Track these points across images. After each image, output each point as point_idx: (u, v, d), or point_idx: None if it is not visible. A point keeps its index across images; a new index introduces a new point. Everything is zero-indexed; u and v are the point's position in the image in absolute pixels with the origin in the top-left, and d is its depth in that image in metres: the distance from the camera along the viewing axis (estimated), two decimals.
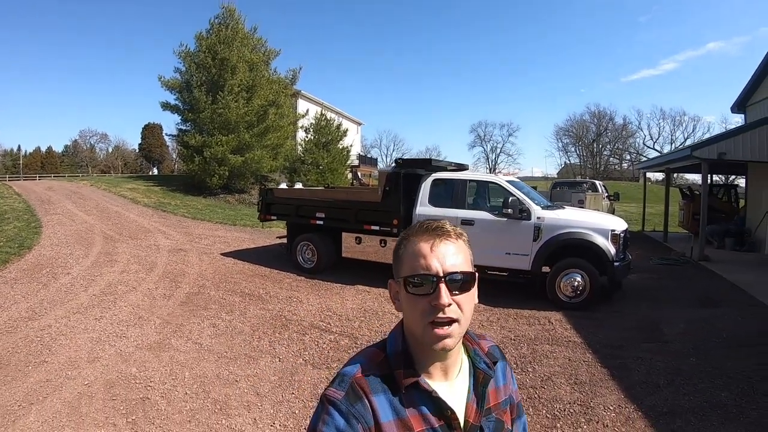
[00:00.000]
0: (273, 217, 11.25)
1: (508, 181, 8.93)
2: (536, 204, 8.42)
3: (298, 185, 14.05)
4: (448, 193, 8.96)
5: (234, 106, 23.54)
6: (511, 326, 6.90)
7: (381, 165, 67.18)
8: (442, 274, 1.06)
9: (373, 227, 9.26)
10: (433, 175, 9.14)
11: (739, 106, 16.52)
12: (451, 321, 1.05)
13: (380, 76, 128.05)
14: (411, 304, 1.08)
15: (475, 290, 1.12)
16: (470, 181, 9.02)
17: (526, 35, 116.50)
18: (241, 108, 23.85)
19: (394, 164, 9.46)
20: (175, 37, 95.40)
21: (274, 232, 14.70)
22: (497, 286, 8.68)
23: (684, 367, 5.34)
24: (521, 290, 8.57)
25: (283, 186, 12.52)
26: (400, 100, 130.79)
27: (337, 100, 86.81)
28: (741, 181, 30.74)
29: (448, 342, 1.06)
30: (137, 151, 72.87)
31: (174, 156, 63.26)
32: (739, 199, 19.93)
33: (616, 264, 7.75)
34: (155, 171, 64.80)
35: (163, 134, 63.93)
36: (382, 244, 9.20)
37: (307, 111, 31.41)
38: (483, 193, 9.37)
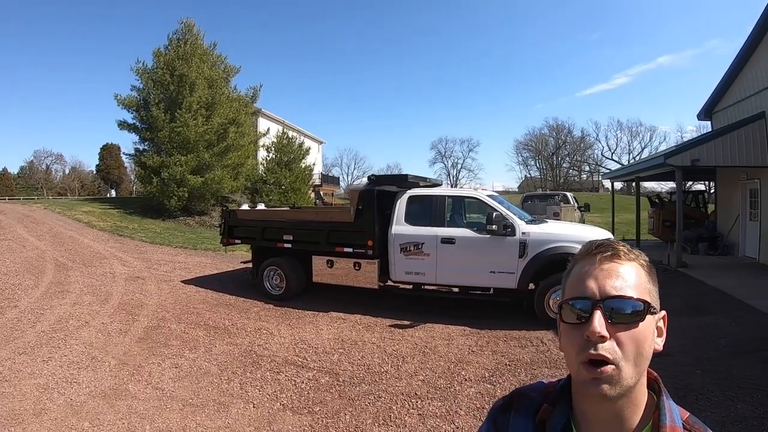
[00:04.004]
0: (237, 241, 10.47)
1: (488, 196, 8.50)
2: (520, 219, 7.99)
3: (261, 206, 13.30)
4: (426, 211, 8.43)
5: (193, 125, 22.68)
6: (503, 350, 6.45)
7: (343, 184, 67.23)
8: (598, 297, 0.89)
9: (346, 249, 8.62)
10: (408, 191, 8.60)
11: (705, 114, 16.75)
12: (605, 360, 0.86)
13: (340, 94, 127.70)
14: (565, 336, 0.94)
15: (647, 329, 0.90)
16: (449, 197, 8.56)
17: (482, 53, 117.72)
18: (200, 126, 23.01)
19: (366, 181, 8.87)
20: (132, 53, 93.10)
21: (238, 257, 13.95)
22: (482, 307, 8.36)
23: (692, 381, 5.18)
24: (507, 309, 8.15)
25: (245, 207, 11.74)
26: (360, 119, 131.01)
27: (298, 119, 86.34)
28: (698, 187, 31.62)
29: (604, 388, 0.86)
30: (95, 172, 70.55)
31: (132, 177, 61.44)
32: (708, 204, 20.26)
33: None
34: (113, 193, 62.93)
35: (122, 155, 62.12)
36: (356, 267, 8.56)
37: (268, 130, 30.67)
38: (463, 210, 8.97)
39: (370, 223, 8.35)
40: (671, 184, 27.75)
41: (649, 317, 0.90)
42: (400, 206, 8.46)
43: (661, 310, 0.95)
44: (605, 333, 0.86)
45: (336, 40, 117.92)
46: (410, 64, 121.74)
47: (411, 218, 8.40)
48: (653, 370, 0.96)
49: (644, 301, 0.89)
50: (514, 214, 8.07)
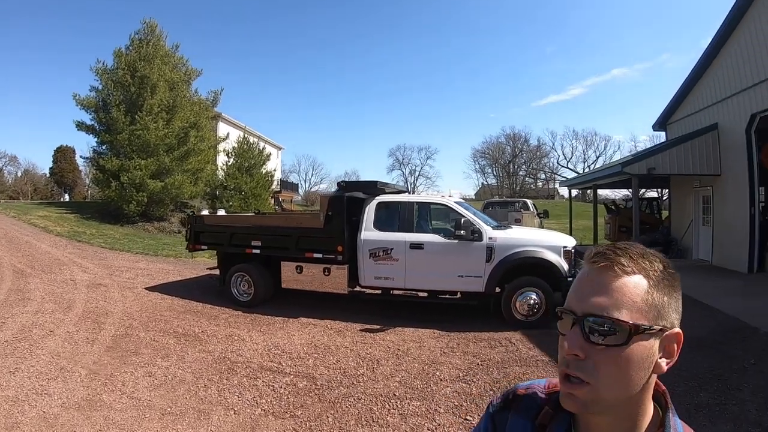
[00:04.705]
0: (203, 247, 10.33)
1: (456, 202, 8.71)
2: (486, 225, 8.23)
3: (221, 212, 13.15)
4: (395, 217, 8.58)
5: (153, 128, 22.16)
6: (474, 351, 6.60)
7: (301, 190, 66.83)
8: (579, 314, 0.84)
9: (316, 255, 8.63)
10: (377, 198, 8.72)
11: (660, 125, 17.58)
12: (579, 378, 0.82)
13: (299, 102, 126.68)
14: (559, 342, 0.90)
15: (638, 353, 0.81)
16: (417, 203, 8.71)
17: (442, 64, 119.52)
18: (160, 130, 22.51)
19: (336, 188, 8.94)
20: (91, 52, 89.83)
21: (200, 263, 13.77)
22: (449, 311, 8.54)
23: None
24: (474, 312, 8.36)
25: (205, 213, 11.56)
26: (318, 126, 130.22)
27: (257, 124, 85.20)
28: (651, 194, 32.80)
29: (576, 405, 0.83)
30: (48, 175, 67.93)
31: (87, 181, 59.54)
32: (661, 210, 21.11)
33: (569, 279, 7.70)
34: (66, 197, 60.81)
35: (77, 158, 60.06)
36: (326, 273, 8.58)
37: (228, 134, 30.23)
38: (431, 216, 9.13)
39: (340, 229, 8.40)
40: (624, 192, 29.02)
41: (641, 340, 0.82)
42: (369, 212, 8.55)
43: (673, 327, 0.86)
44: (578, 352, 0.82)
45: (298, 48, 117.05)
46: (370, 72, 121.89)
47: (380, 224, 8.51)
48: (662, 384, 0.92)
49: (630, 324, 0.80)
50: (481, 220, 8.31)
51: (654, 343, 0.83)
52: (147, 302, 9.34)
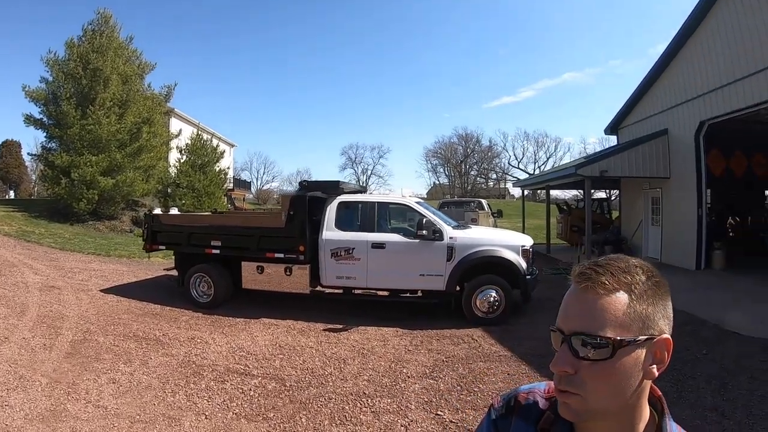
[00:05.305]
0: (161, 247, 10.12)
1: (417, 202, 8.83)
2: (447, 225, 8.38)
3: (174, 210, 12.78)
4: (356, 217, 8.66)
5: (105, 122, 21.33)
6: (438, 348, 6.75)
7: (254, 188, 65.96)
8: (566, 332, 0.89)
9: (277, 255, 8.59)
10: (338, 197, 8.74)
11: (612, 129, 18.31)
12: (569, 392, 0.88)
13: (251, 98, 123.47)
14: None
15: (624, 364, 0.86)
16: (379, 203, 8.78)
17: (396, 62, 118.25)
18: (113, 125, 21.67)
19: (298, 187, 8.92)
20: (43, 42, 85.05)
21: (155, 264, 13.38)
22: (410, 309, 8.67)
23: None
24: (434, 310, 8.51)
25: (158, 211, 11.21)
26: (271, 123, 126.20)
27: (209, 121, 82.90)
28: (599, 194, 33.93)
29: (570, 414, 0.89)
30: None
31: (34, 178, 57.28)
32: (611, 211, 21.86)
33: (527, 277, 8.03)
34: (12, 194, 58.37)
35: (23, 153, 57.71)
36: (287, 273, 8.56)
37: (180, 131, 29.11)
38: (392, 216, 9.22)
39: (302, 229, 8.39)
40: (574, 192, 29.90)
41: (627, 353, 0.86)
42: (330, 212, 8.57)
43: (661, 334, 0.90)
44: (568, 369, 0.87)
45: (252, 44, 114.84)
46: (322, 70, 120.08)
47: (341, 224, 8.55)
48: (657, 389, 0.97)
49: (614, 339, 0.85)
50: (442, 220, 8.47)
51: (641, 353, 0.87)
52: (103, 305, 9.03)
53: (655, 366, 0.89)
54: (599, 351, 0.85)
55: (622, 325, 0.86)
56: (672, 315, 0.94)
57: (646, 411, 0.94)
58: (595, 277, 0.88)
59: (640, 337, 0.86)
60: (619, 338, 0.85)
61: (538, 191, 30.25)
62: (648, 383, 0.92)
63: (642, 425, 0.93)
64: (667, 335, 0.91)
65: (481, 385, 5.41)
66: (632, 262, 0.93)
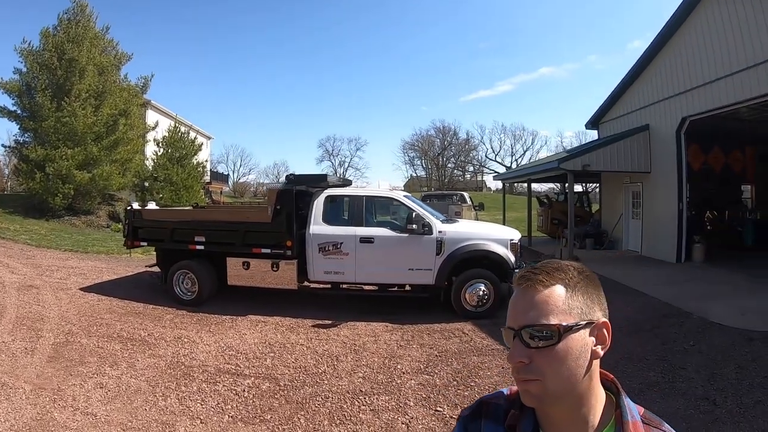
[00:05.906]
0: (142, 243, 9.87)
1: (405, 196, 8.78)
2: (436, 218, 8.35)
3: (152, 204, 12.47)
4: (344, 210, 8.59)
5: (81, 115, 20.73)
6: (430, 342, 6.74)
7: (230, 181, 65.24)
8: (516, 327, 0.99)
9: (264, 250, 8.46)
10: (325, 191, 8.64)
11: (593, 124, 18.59)
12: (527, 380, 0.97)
13: (228, 89, 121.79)
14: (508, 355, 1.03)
15: (571, 346, 0.97)
16: (367, 197, 8.69)
17: (373, 53, 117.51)
18: (89, 117, 21.10)
19: (285, 180, 8.78)
20: (17, 32, 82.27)
21: (135, 260, 13.07)
22: (399, 304, 8.61)
23: (605, 359, 5.71)
24: (423, 305, 8.46)
25: (135, 206, 10.87)
26: (247, 115, 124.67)
27: (186, 113, 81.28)
28: (578, 188, 34.30)
29: (532, 400, 0.98)
30: None
31: (7, 172, 55.80)
32: (591, 204, 22.12)
33: (516, 271, 7.86)
34: None
35: None
36: (274, 268, 8.44)
37: (157, 123, 28.43)
38: (380, 210, 9.15)
39: (289, 223, 8.28)
40: (550, 185, 30.18)
41: (571, 335, 0.96)
42: (318, 206, 8.46)
43: (599, 319, 1.02)
44: (522, 359, 0.95)
45: (228, 33, 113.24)
46: (300, 60, 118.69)
47: (329, 218, 8.46)
48: (609, 373, 1.07)
49: (558, 325, 0.95)
50: (431, 214, 8.44)
51: (584, 334, 0.98)
52: (84, 304, 8.74)
53: (599, 346, 1.01)
54: (546, 339, 0.95)
55: (563, 312, 0.97)
56: (606, 304, 1.07)
57: (601, 393, 1.05)
58: (534, 277, 1.01)
59: (581, 322, 0.98)
60: (564, 324, 0.96)
61: (516, 184, 30.47)
62: (597, 363, 1.02)
63: (600, 405, 1.03)
64: (604, 319, 1.03)
65: (477, 380, 5.43)
66: (564, 262, 1.05)
